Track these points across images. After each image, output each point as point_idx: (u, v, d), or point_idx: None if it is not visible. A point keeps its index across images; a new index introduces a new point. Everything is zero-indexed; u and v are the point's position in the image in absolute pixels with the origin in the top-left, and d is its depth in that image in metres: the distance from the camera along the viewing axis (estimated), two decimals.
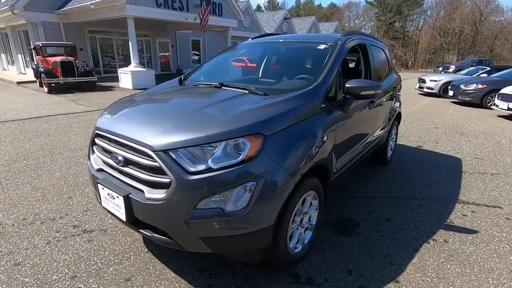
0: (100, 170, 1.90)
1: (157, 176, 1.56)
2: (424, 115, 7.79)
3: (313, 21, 30.52)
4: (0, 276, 1.87)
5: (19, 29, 14.64)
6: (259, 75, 2.84)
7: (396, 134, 4.21)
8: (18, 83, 12.37)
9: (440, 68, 23.30)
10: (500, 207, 2.95)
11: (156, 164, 1.54)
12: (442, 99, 11.07)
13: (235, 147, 1.56)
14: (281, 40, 3.00)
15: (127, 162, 1.70)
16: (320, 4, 77.61)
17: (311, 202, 2.09)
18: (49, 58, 10.40)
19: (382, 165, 3.97)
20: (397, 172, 3.82)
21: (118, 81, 12.13)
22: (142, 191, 1.61)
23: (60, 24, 13.53)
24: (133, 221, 1.67)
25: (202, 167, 1.51)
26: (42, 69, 10.10)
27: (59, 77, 9.92)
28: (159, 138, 1.58)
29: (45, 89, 9.99)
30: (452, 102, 10.35)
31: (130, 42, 11.35)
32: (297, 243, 2.02)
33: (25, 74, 15.05)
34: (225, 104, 1.93)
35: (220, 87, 2.31)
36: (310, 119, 1.94)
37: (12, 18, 13.18)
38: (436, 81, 11.89)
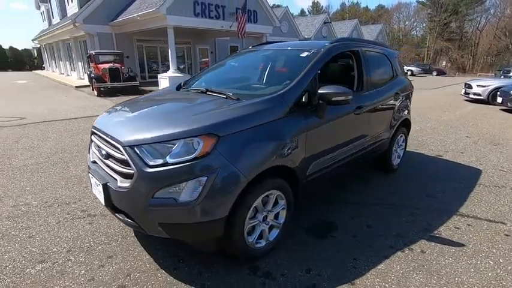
0: (94, 162, 2.24)
1: (125, 168, 1.84)
2: (461, 123, 7.24)
3: (355, 25, 29.65)
4: (15, 245, 2.30)
5: (80, 40, 16.59)
6: (248, 82, 3.01)
7: (405, 141, 4.06)
8: (76, 87, 14.03)
9: (501, 72, 21.07)
10: (503, 223, 2.74)
11: (124, 157, 1.81)
12: (490, 106, 10.11)
13: (191, 145, 1.77)
14: (274, 48, 3.15)
15: (108, 155, 2.01)
16: (367, 6, 74.83)
17: (277, 201, 2.21)
18: (100, 65, 11.67)
19: (388, 173, 3.87)
20: (403, 180, 3.70)
21: (158, 86, 13.12)
22: (116, 180, 1.90)
23: (113, 34, 15.05)
24: (111, 205, 1.97)
25: (160, 162, 1.74)
26: (93, 75, 11.39)
27: (106, 82, 11.10)
28: (128, 136, 1.86)
29: (95, 93, 11.23)
30: (502, 109, 9.41)
31: (170, 50, 12.25)
32: (259, 238, 2.15)
33: (83, 79, 16.97)
34: (195, 107, 2.16)
35: (205, 93, 2.54)
36: (274, 123, 2.07)
37: (74, 30, 15.03)
38: (484, 86, 10.88)
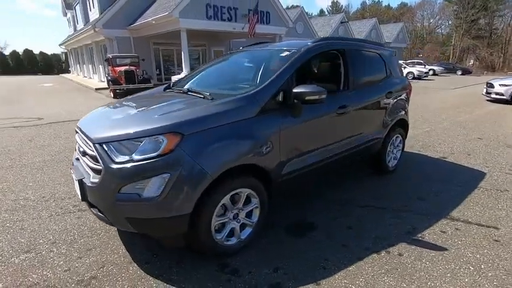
0: (77, 159, 2.37)
1: (96, 164, 1.93)
2: (476, 124, 6.91)
3: (374, 24, 28.94)
4: (7, 236, 2.46)
5: (100, 44, 17.34)
6: (230, 82, 3.04)
7: (403, 142, 3.93)
8: (96, 89, 14.67)
9: None
10: (496, 228, 2.61)
11: (94, 153, 1.91)
12: None
13: (156, 143, 1.83)
14: (260, 49, 3.17)
15: (84, 152, 2.11)
16: (389, 4, 72.74)
17: (249, 199, 2.23)
18: (116, 68, 12.16)
19: (384, 174, 3.77)
20: (397, 182, 3.60)
21: None
22: (90, 175, 2.00)
23: (131, 38, 15.61)
24: (86, 200, 2.07)
25: (126, 158, 1.82)
26: (110, 78, 11.87)
27: (122, 84, 11.53)
28: (99, 133, 1.96)
29: (112, 95, 11.70)
30: None
31: (182, 52, 12.54)
32: (230, 236, 2.18)
33: (104, 82, 17.71)
34: (168, 107, 2.23)
35: (186, 93, 2.61)
36: (245, 122, 2.10)
37: (94, 35, 15.73)
38: (507, 85, 10.31)
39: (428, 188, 3.42)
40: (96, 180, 1.89)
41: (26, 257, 2.19)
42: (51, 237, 2.44)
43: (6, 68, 38.19)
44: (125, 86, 11.49)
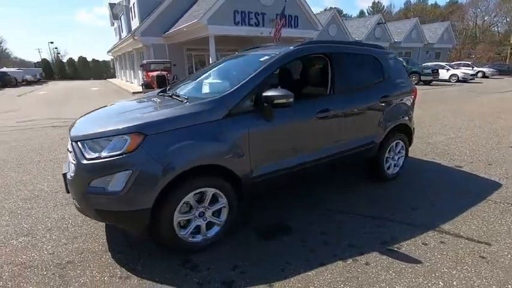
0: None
1: (74, 160, 2.15)
2: None
3: (415, 24, 27.32)
4: (15, 221, 2.82)
5: (140, 51, 18.62)
6: (215, 86, 3.14)
7: (405, 149, 3.73)
8: (133, 93, 15.76)
9: None
10: (488, 244, 2.39)
11: (71, 150, 2.13)
12: None
13: (122, 142, 2.00)
14: (248, 53, 3.24)
15: (68, 149, 2.36)
16: (435, 3, 68.03)
17: (217, 199, 2.31)
18: (150, 73, 13.00)
19: (383, 181, 3.62)
20: (396, 190, 3.43)
21: None
22: (71, 170, 2.23)
23: (166, 45, 16.56)
24: (69, 192, 2.31)
25: (95, 155, 2.01)
26: (143, 82, 12.71)
27: (154, 88, 12.28)
28: (77, 132, 2.19)
29: None
30: None
31: (210, 57, 13.01)
32: (196, 233, 2.28)
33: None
34: (144, 109, 2.40)
35: (171, 97, 2.78)
36: (211, 124, 2.20)
37: (134, 42, 16.95)
38: None
39: (427, 197, 3.22)
40: (73, 175, 2.11)
41: (23, 240, 2.50)
42: (48, 224, 2.74)
43: (64, 74, 42.57)
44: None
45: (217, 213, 2.37)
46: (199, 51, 17.79)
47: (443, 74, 20.53)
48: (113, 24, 28.02)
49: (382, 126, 3.31)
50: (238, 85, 2.37)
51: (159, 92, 3.30)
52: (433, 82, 19.14)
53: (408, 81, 3.69)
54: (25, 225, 2.74)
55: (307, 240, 2.46)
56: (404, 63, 18.85)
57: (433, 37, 29.54)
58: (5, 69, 30.56)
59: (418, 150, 5.00)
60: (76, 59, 44.94)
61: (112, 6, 25.54)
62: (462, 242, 2.42)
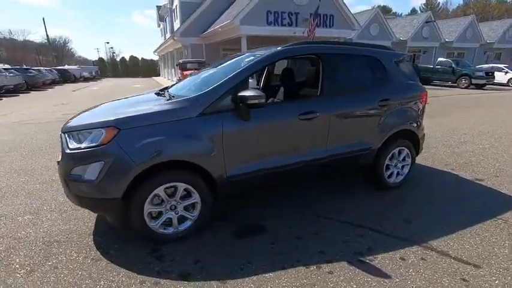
0: None
1: (61, 149, 2.38)
2: None
3: (470, 22, 24.88)
4: (28, 200, 3.18)
5: (179, 50, 19.56)
6: (202, 85, 3.18)
7: (411, 157, 3.47)
8: None
9: None
10: (477, 267, 2.16)
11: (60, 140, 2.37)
12: None
13: (99, 134, 2.18)
14: (241, 55, 3.26)
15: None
16: None
17: (190, 194, 2.39)
18: (185, 72, 13.56)
19: (384, 189, 3.41)
20: (396, 200, 3.21)
21: None
22: None
23: (203, 45, 17.19)
24: None
25: (77, 146, 2.21)
26: (177, 80, 13.32)
27: None
28: (67, 124, 2.41)
29: None
30: None
31: None
32: (168, 226, 2.39)
33: None
34: (130, 105, 2.56)
35: (162, 95, 2.93)
36: (184, 122, 2.28)
37: (174, 43, 17.86)
38: None
39: (427, 210, 2.98)
40: (60, 162, 2.34)
41: (27, 218, 2.82)
42: (53, 206, 3.06)
43: (116, 72, 46.24)
44: None
45: (190, 208, 2.45)
46: (235, 50, 18.08)
47: (501, 77, 18.48)
48: (159, 26, 29.77)
49: (381, 132, 3.12)
50: (215, 85, 2.43)
51: (160, 90, 3.47)
52: (487, 86, 17.30)
53: (417, 85, 3.43)
54: (34, 205, 3.08)
55: (278, 243, 2.44)
56: (453, 65, 17.34)
57: (492, 36, 26.67)
58: (66, 66, 34.17)
59: (439, 158, 4.62)
60: (128, 58, 48.60)
61: (159, 8, 27.14)
62: (446, 261, 2.21)
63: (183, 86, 3.20)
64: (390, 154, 3.29)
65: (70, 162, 2.21)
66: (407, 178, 3.55)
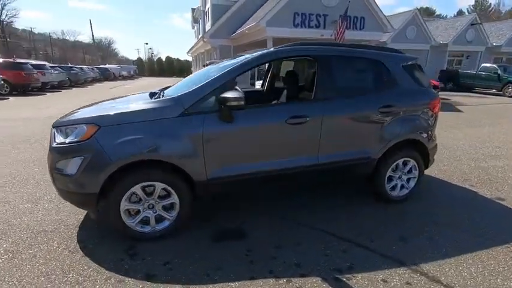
0: None
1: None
2: None
3: None
4: (34, 189, 3.38)
5: (209, 52, 20.00)
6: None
7: (418, 169, 3.18)
8: None
9: None
10: None
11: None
12: None
13: (81, 131, 2.24)
14: (235, 57, 3.21)
15: None
16: None
17: (169, 194, 2.38)
18: None
19: (387, 202, 3.17)
20: (396, 215, 2.96)
21: None
22: None
23: (231, 47, 17.39)
24: None
25: (62, 141, 2.29)
26: None
27: None
28: (58, 120, 2.51)
29: None
30: None
31: None
32: (145, 224, 2.40)
33: None
34: (120, 104, 2.61)
35: (154, 94, 2.96)
36: (164, 121, 2.28)
37: (204, 44, 18.27)
38: None
39: (428, 229, 2.70)
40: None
41: (27, 206, 2.99)
42: (52, 196, 3.21)
43: (152, 71, 48.44)
44: None
45: (169, 208, 2.44)
46: None
47: None
48: (193, 28, 30.68)
49: (382, 140, 2.90)
50: (198, 86, 2.40)
51: (160, 89, 3.52)
52: None
53: (427, 91, 3.14)
54: (37, 195, 3.27)
55: (254, 250, 2.35)
56: (499, 71, 15.93)
57: None
58: (107, 65, 36.46)
59: (459, 172, 4.22)
60: (164, 58, 50.73)
61: (193, 11, 27.99)
62: (433, 287, 1.98)
63: (181, 85, 3.21)
64: (393, 165, 3.05)
65: (55, 156, 2.30)
66: (415, 192, 3.27)
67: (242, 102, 2.23)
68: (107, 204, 2.26)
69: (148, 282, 1.98)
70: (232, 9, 16.77)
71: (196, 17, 27.00)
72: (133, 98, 3.00)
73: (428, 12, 61.60)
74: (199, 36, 23.79)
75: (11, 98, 12.86)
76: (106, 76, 30.62)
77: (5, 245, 2.35)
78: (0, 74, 13.36)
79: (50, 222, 2.69)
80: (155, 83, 26.53)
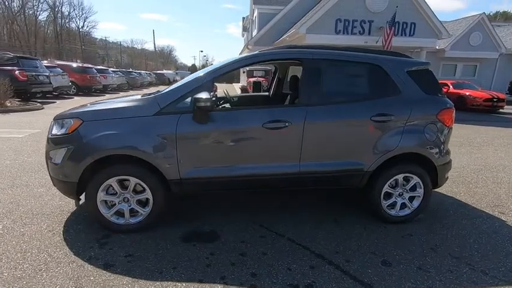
0: None
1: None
2: None
3: None
4: (46, 176, 3.78)
5: None
6: None
7: (424, 187, 2.80)
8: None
9: None
10: None
11: None
12: None
13: (69, 124, 2.45)
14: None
15: None
16: None
17: (144, 189, 2.47)
18: (250, 79, 14.11)
19: (385, 222, 2.87)
20: (394, 234, 2.65)
21: None
22: None
23: None
24: None
25: (55, 132, 2.54)
26: (243, 86, 13.91)
27: (248, 92, 13.28)
28: (58, 114, 2.78)
29: None
30: None
31: None
32: (121, 216, 2.52)
33: None
34: (113, 102, 2.80)
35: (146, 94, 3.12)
36: (141, 119, 2.39)
37: (249, 52, 18.71)
38: None
39: (425, 258, 2.36)
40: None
41: (40, 191, 3.35)
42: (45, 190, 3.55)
43: None
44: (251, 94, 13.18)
45: (143, 204, 2.53)
46: None
47: None
48: (243, 36, 31.70)
49: (377, 151, 2.64)
50: (173, 87, 2.48)
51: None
52: None
53: (437, 100, 2.77)
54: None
55: (217, 255, 2.30)
56: None
57: None
58: (163, 71, 39.45)
59: (491, 197, 3.66)
60: None
61: (243, 19, 28.96)
62: None
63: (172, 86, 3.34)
64: (391, 180, 2.75)
65: (49, 146, 2.55)
66: (422, 212, 2.90)
67: (208, 104, 2.23)
68: (86, 194, 2.43)
69: (103, 271, 2.06)
70: (276, 17, 16.97)
71: (246, 25, 27.85)
72: (129, 97, 3.19)
73: (506, 16, 54.81)
74: (245, 44, 24.47)
75: (76, 98, 14.64)
76: (162, 81, 33.16)
77: (5, 222, 2.66)
78: (70, 77, 15.31)
79: (51, 207, 2.98)
80: None
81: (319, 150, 2.60)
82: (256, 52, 2.66)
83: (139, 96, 3.08)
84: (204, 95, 2.26)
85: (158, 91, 3.37)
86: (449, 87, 14.52)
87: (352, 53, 2.71)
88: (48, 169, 2.61)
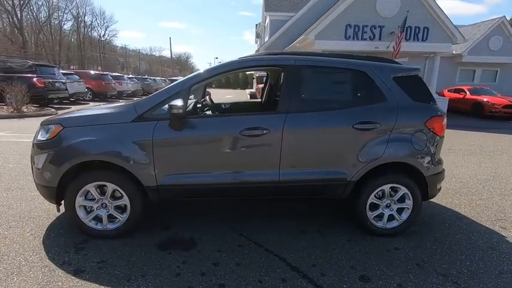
0: None
1: None
2: None
3: None
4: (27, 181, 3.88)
5: None
6: None
7: (413, 199, 2.66)
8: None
9: None
10: None
11: None
12: None
13: (51, 129, 2.50)
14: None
15: None
16: None
17: (121, 194, 2.48)
18: (259, 85, 14.11)
19: (373, 235, 2.75)
20: (379, 247, 2.54)
21: None
22: None
23: None
24: None
25: (39, 137, 2.60)
26: (251, 92, 13.95)
27: (257, 98, 13.29)
28: (44, 120, 2.85)
29: None
30: None
31: None
32: (98, 222, 2.53)
33: None
34: (92, 108, 2.85)
35: None
36: (119, 125, 2.41)
37: None
38: None
39: (408, 274, 2.23)
40: None
41: (33, 194, 3.41)
42: None
43: (219, 83, 51.72)
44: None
45: (121, 210, 2.54)
46: None
47: None
48: (256, 42, 31.93)
49: (360, 160, 2.55)
50: (152, 95, 2.49)
51: None
52: None
53: (426, 107, 2.64)
54: None
55: (189, 263, 2.26)
56: None
57: None
58: (178, 77, 40.28)
59: (494, 210, 3.46)
60: None
61: (256, 26, 29.19)
62: None
63: None
64: (377, 190, 2.64)
65: (33, 150, 2.60)
66: (411, 225, 2.76)
67: (180, 111, 2.23)
68: (65, 199, 2.47)
69: (73, 277, 2.07)
70: (287, 24, 16.98)
71: (259, 32, 28.02)
72: (112, 104, 3.25)
73: None
74: (256, 50, 24.61)
75: (91, 103, 15.14)
76: None
77: None
78: (86, 84, 15.88)
79: (39, 210, 3.04)
80: (217, 93, 28.16)
81: (299, 159, 2.54)
82: (237, 59, 2.64)
83: (122, 103, 3.13)
84: (179, 102, 2.25)
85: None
86: (466, 93, 14.00)
87: (336, 59, 2.63)
88: (32, 174, 2.67)
